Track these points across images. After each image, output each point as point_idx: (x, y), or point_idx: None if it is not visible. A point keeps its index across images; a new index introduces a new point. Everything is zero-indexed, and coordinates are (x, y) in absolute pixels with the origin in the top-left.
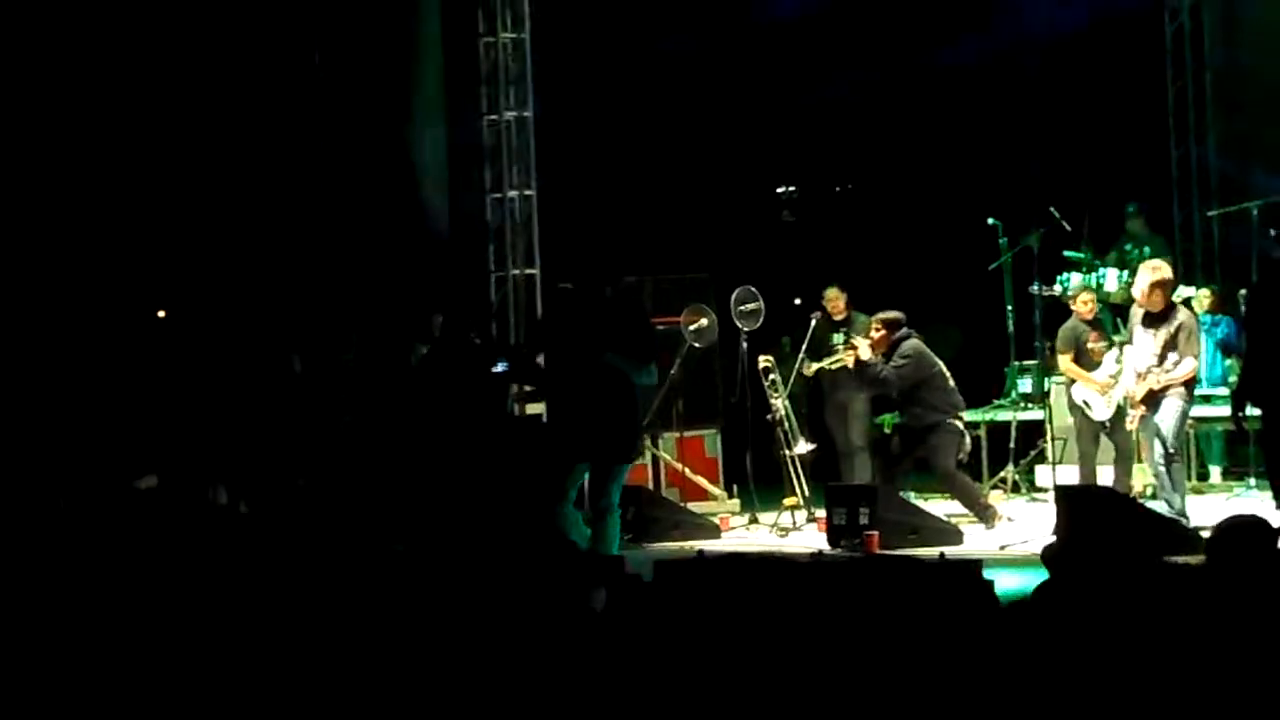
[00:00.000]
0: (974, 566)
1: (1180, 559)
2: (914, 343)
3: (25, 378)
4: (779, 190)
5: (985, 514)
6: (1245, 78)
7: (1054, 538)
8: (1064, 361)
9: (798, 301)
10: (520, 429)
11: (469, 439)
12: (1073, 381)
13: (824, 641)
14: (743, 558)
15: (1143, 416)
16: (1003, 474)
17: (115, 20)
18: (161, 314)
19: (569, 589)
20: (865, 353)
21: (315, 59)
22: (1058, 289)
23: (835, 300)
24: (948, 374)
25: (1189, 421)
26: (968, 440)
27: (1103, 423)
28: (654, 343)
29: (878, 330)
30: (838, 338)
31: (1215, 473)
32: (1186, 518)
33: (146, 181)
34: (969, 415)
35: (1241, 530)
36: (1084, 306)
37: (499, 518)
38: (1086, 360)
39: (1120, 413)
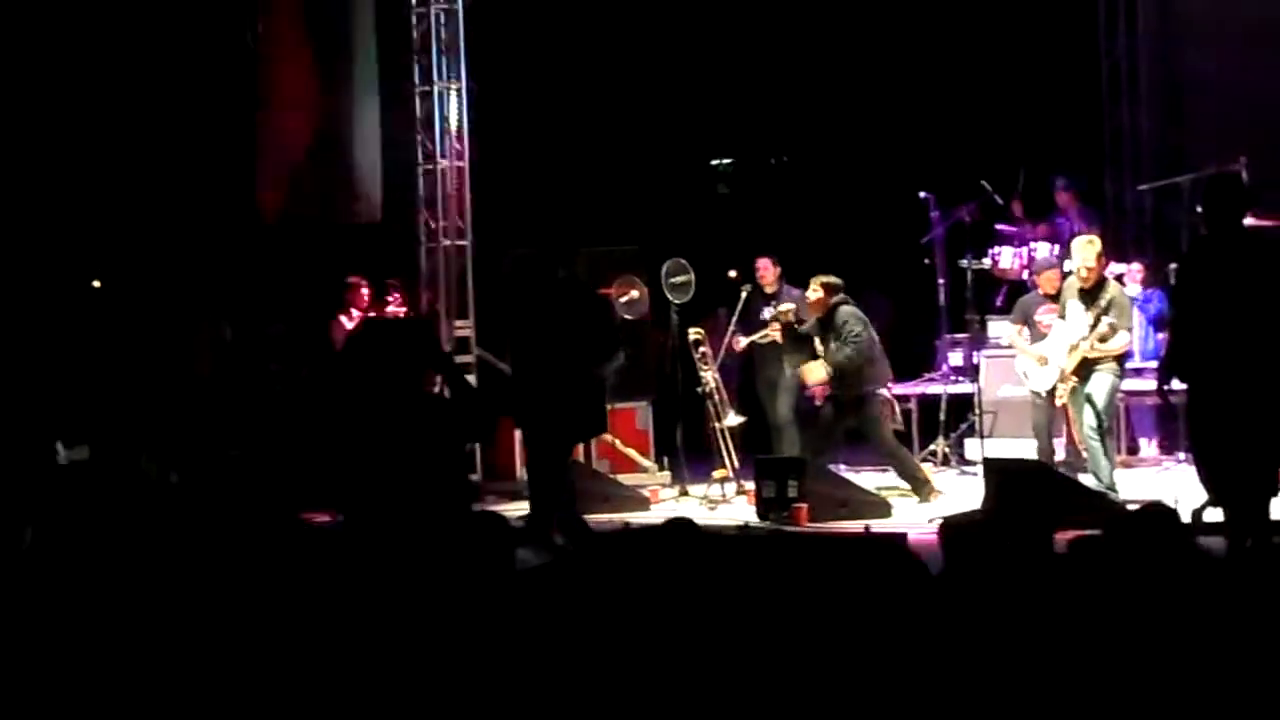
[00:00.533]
0: (899, 540)
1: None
2: (853, 309)
3: None
4: (714, 163)
5: (922, 487)
6: (1178, 48)
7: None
8: (1012, 332)
9: (732, 274)
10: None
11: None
12: None
13: (746, 614)
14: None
15: (1073, 389)
16: (933, 447)
17: None
18: (96, 284)
19: (492, 553)
20: (818, 374)
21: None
22: (987, 262)
23: (765, 271)
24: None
25: (1120, 395)
26: (898, 411)
27: (1038, 392)
28: (617, 333)
29: (815, 292)
30: (768, 311)
31: (1146, 446)
32: (1115, 491)
33: (81, 151)
34: (900, 389)
35: (1147, 518)
36: (1047, 284)
37: (425, 486)
38: (1035, 332)
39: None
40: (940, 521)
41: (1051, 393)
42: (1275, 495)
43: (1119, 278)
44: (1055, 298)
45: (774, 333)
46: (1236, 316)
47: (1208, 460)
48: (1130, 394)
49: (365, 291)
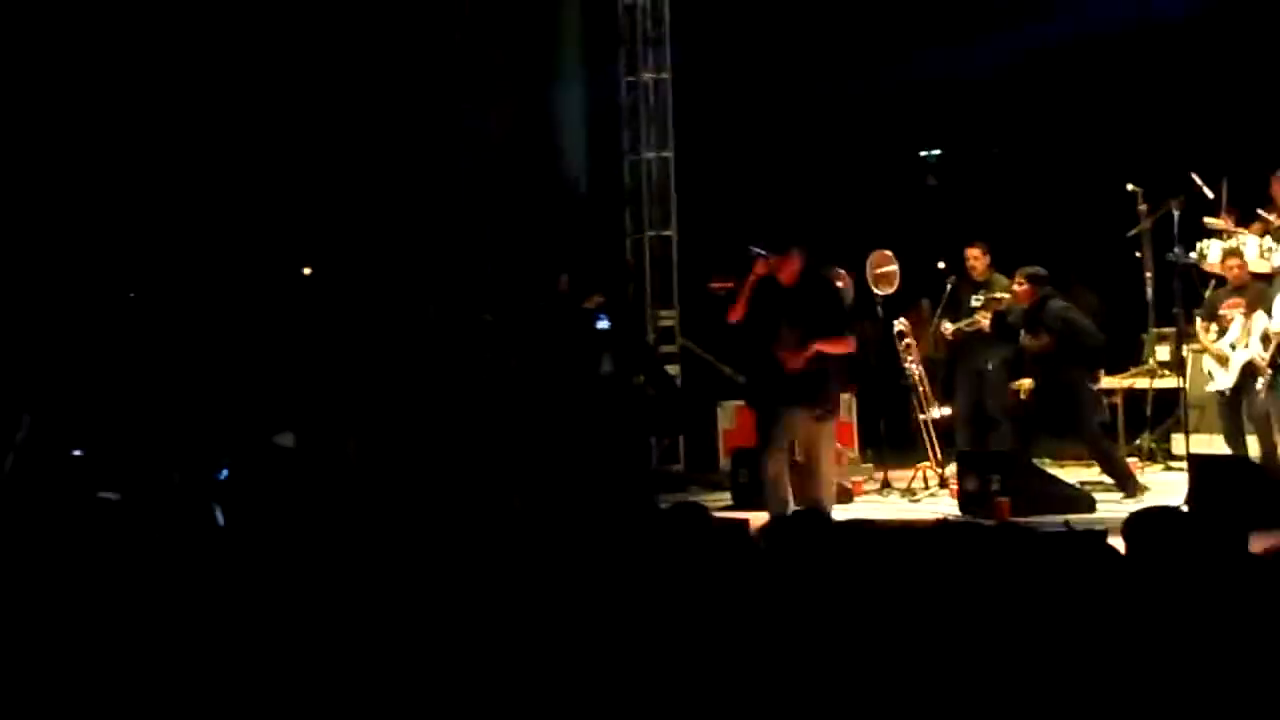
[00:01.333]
0: (1099, 535)
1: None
2: (1062, 303)
3: None
4: (922, 154)
5: (1128, 483)
6: None
7: (1185, 507)
8: (1199, 329)
9: (941, 265)
10: (610, 389)
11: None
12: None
13: (945, 608)
14: (864, 524)
15: (1271, 382)
16: (1138, 442)
17: None
18: (306, 270)
19: (688, 544)
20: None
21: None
22: (1194, 256)
23: (976, 260)
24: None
25: None
26: (1104, 404)
27: (1223, 392)
28: (845, 318)
29: (1020, 285)
30: (976, 300)
31: None
32: None
33: (297, 148)
34: (1106, 382)
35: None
36: (1229, 272)
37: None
38: (1220, 327)
39: (1248, 381)
40: (1128, 516)
41: (1236, 391)
42: None
43: None
44: (1241, 290)
45: (983, 320)
46: None
47: None
48: None
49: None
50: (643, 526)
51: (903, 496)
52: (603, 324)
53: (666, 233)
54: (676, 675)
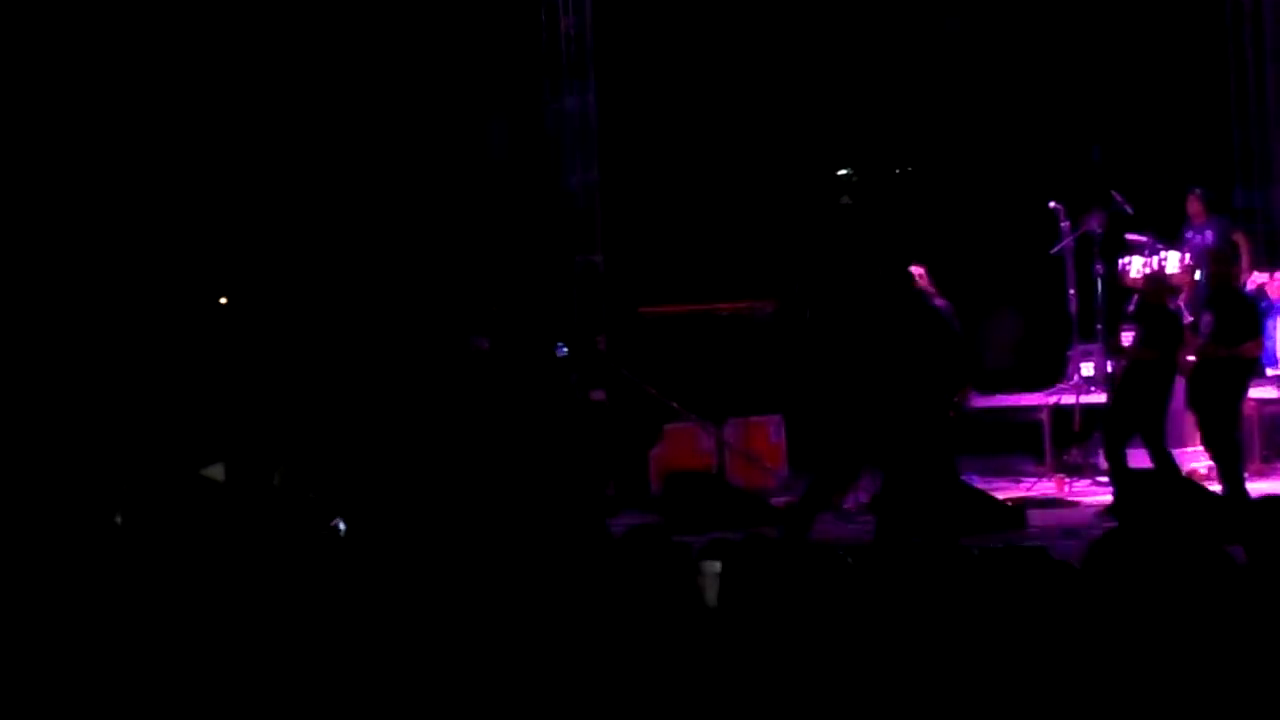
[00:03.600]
0: (1040, 552)
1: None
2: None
3: None
4: (838, 173)
5: None
6: None
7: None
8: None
9: None
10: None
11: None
12: None
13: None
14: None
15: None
16: (1065, 457)
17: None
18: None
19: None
20: None
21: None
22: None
23: (919, 279)
24: None
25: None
26: None
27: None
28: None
29: None
30: None
31: None
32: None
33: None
34: (1032, 399)
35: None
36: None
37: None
38: None
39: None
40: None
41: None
42: None
43: (1260, 288)
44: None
45: None
46: None
47: None
48: (1262, 401)
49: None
50: (599, 550)
51: (837, 517)
52: (562, 351)
53: (594, 257)
54: (635, 692)
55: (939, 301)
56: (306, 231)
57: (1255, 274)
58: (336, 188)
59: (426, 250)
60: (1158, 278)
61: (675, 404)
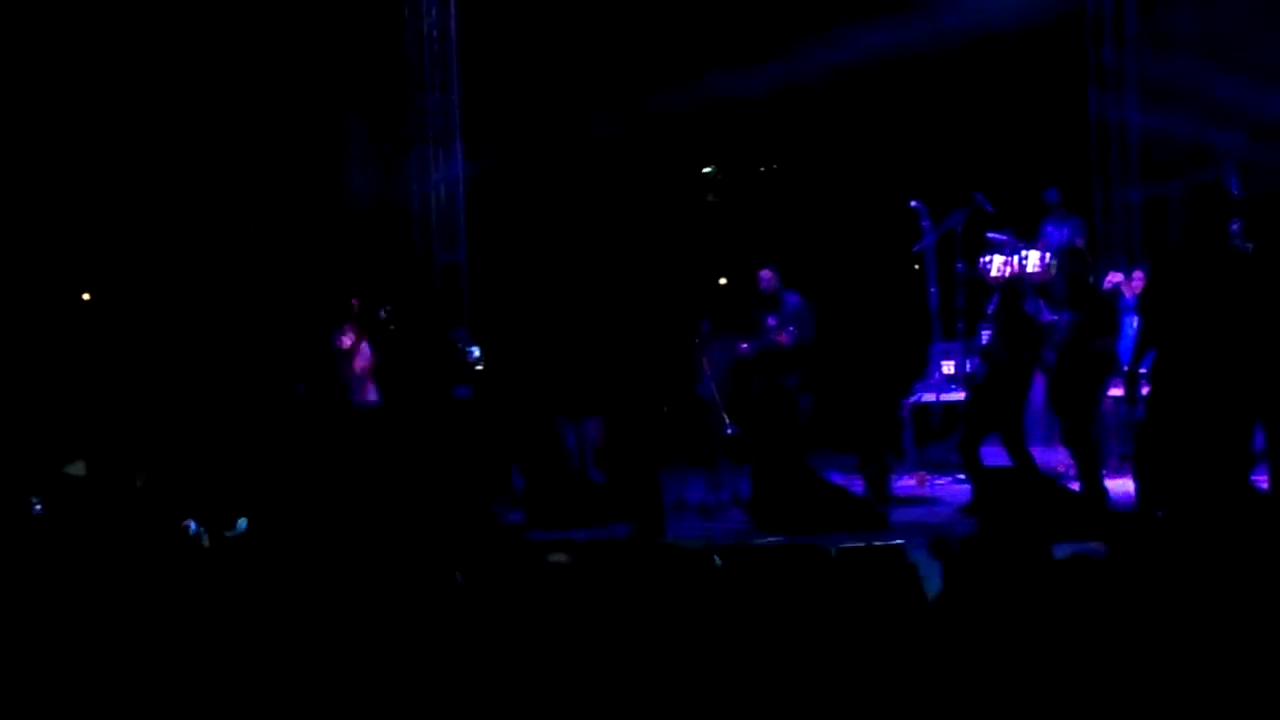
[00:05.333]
0: (897, 551)
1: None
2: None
3: None
4: (704, 171)
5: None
6: (1166, 56)
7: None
8: None
9: (722, 281)
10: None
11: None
12: None
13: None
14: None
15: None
16: (926, 454)
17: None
18: (85, 296)
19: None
20: None
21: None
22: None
23: (769, 280)
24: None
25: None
26: None
27: None
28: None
29: None
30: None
31: None
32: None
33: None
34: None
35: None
36: None
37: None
38: None
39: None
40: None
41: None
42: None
43: (1116, 286)
44: None
45: (782, 338)
46: (1209, 328)
47: (1163, 463)
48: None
49: (356, 306)
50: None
51: (699, 515)
52: (474, 353)
53: (456, 257)
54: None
55: (791, 297)
56: (168, 232)
57: (1112, 274)
58: (196, 188)
59: (286, 252)
60: (1015, 279)
61: (538, 402)
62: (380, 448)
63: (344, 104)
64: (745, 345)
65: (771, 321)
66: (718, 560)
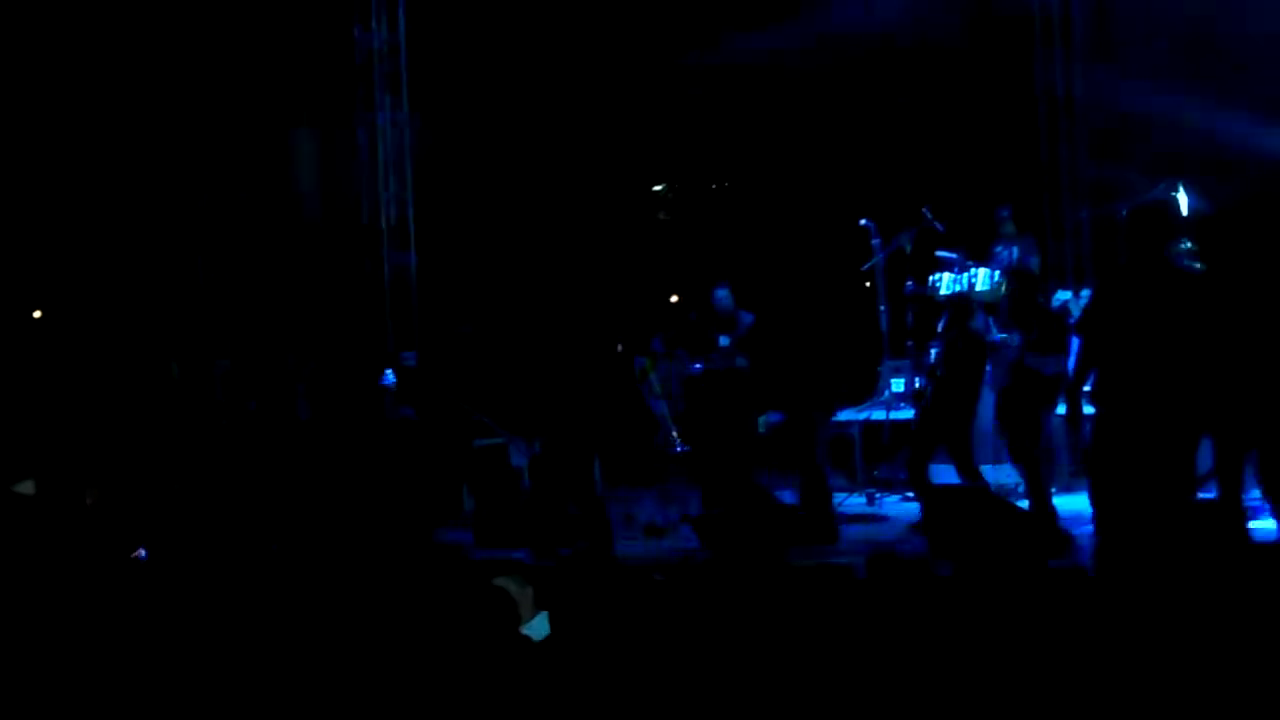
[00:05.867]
0: (847, 570)
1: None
2: None
3: None
4: (655, 188)
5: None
6: (1114, 77)
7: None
8: None
9: (674, 299)
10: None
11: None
12: None
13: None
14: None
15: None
16: (876, 472)
17: None
18: (37, 314)
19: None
20: None
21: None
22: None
23: (723, 298)
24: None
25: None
26: None
27: None
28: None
29: None
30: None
31: None
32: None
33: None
34: (842, 415)
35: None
36: None
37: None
38: None
39: None
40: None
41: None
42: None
43: (1064, 304)
44: None
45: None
46: (1150, 349)
47: (1107, 485)
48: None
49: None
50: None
51: (648, 534)
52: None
53: (406, 271)
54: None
55: (746, 316)
56: (119, 248)
57: (1060, 292)
58: (147, 202)
59: (236, 268)
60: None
61: (487, 420)
62: (319, 467)
63: (293, 120)
64: (698, 364)
65: (724, 341)
66: (658, 577)
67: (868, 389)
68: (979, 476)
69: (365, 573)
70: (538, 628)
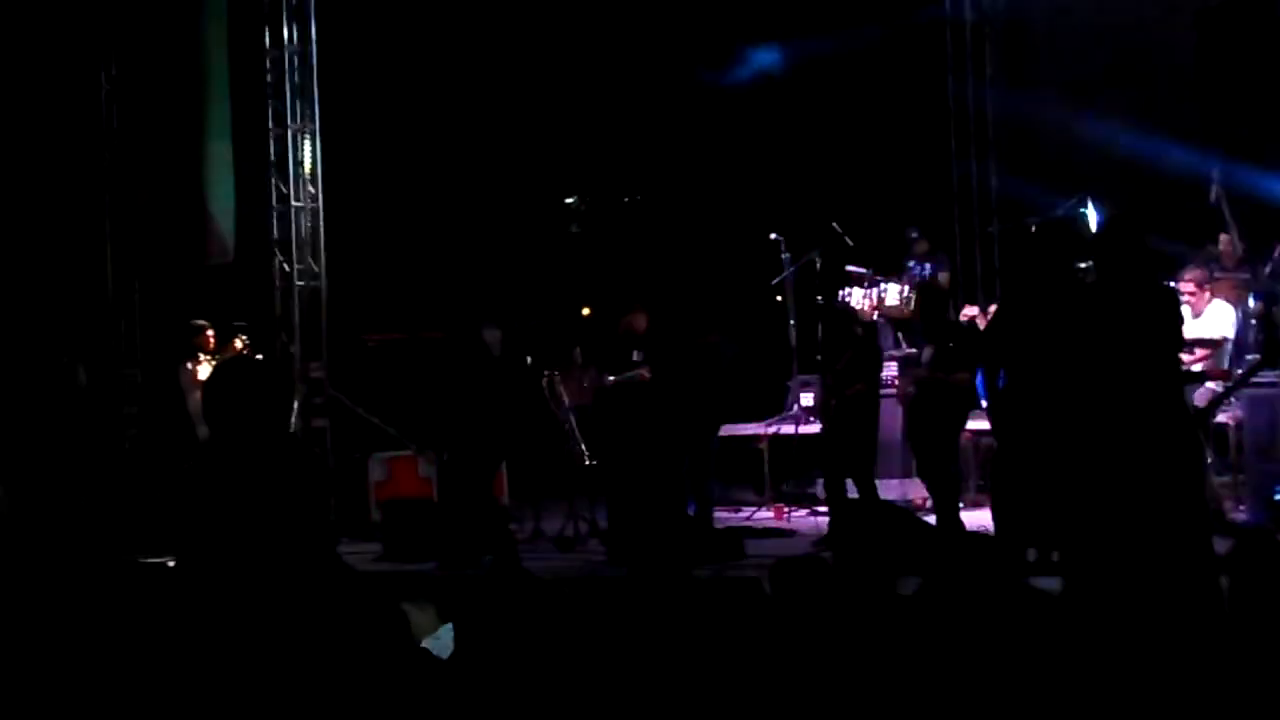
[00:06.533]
0: (753, 583)
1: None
2: None
3: None
4: (566, 201)
5: None
6: (1025, 94)
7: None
8: None
9: (585, 312)
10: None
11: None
12: None
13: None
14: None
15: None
16: (784, 486)
17: None
18: None
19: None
20: None
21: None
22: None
23: (638, 319)
24: None
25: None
26: None
27: None
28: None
29: None
30: (636, 355)
31: None
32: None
33: None
34: (751, 429)
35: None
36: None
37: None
38: None
39: None
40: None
41: None
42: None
43: (972, 320)
44: None
45: (645, 372)
46: (1055, 364)
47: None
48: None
49: (210, 335)
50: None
51: (557, 547)
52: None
53: (315, 284)
54: None
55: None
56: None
57: (967, 308)
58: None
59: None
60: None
61: (395, 431)
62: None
63: (203, 130)
64: (610, 378)
65: (637, 356)
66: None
67: (776, 403)
68: (874, 491)
69: (261, 585)
70: (443, 643)
